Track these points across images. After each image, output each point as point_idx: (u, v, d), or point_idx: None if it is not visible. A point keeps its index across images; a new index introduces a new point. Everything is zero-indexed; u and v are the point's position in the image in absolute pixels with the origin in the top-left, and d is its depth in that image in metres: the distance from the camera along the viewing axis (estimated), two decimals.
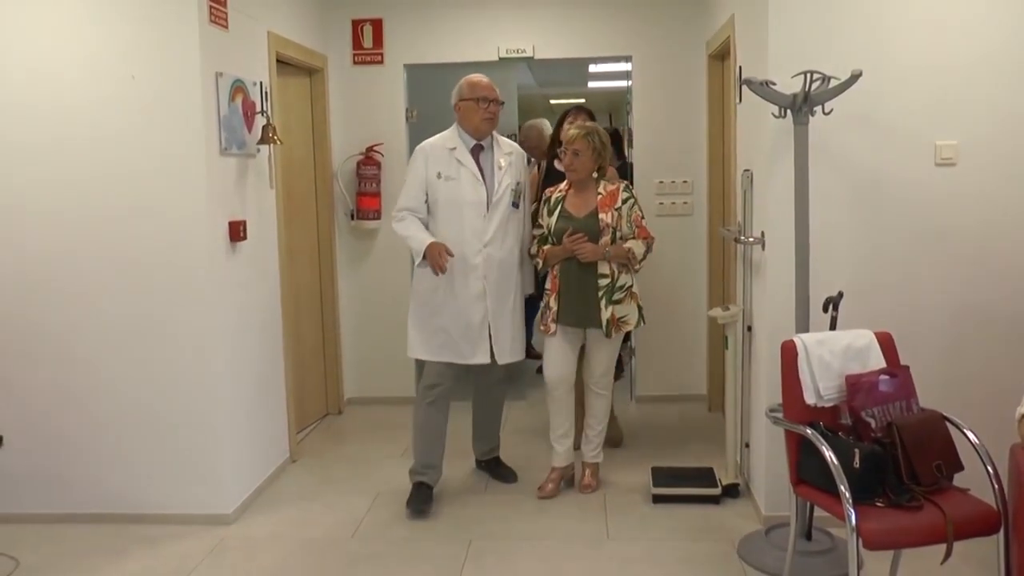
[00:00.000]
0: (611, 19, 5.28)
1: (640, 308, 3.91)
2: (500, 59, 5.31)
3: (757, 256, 3.72)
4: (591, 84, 9.73)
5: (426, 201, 3.85)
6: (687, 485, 3.91)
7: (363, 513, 3.88)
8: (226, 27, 3.81)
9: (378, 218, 5.28)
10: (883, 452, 2.67)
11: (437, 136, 3.96)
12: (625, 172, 5.21)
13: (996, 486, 2.60)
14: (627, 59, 5.39)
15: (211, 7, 3.65)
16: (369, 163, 5.29)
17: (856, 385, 2.82)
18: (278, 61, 4.44)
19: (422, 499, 3.84)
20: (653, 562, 3.35)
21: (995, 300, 3.49)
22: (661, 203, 5.32)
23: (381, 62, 5.36)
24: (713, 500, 3.85)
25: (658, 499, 3.88)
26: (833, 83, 3.15)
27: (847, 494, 2.53)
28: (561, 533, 3.64)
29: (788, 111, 3.23)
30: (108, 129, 3.60)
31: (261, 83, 4.15)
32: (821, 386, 2.86)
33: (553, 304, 3.85)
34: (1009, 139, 3.43)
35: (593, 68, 7.96)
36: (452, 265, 3.75)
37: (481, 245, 3.82)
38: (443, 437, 3.96)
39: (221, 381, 3.74)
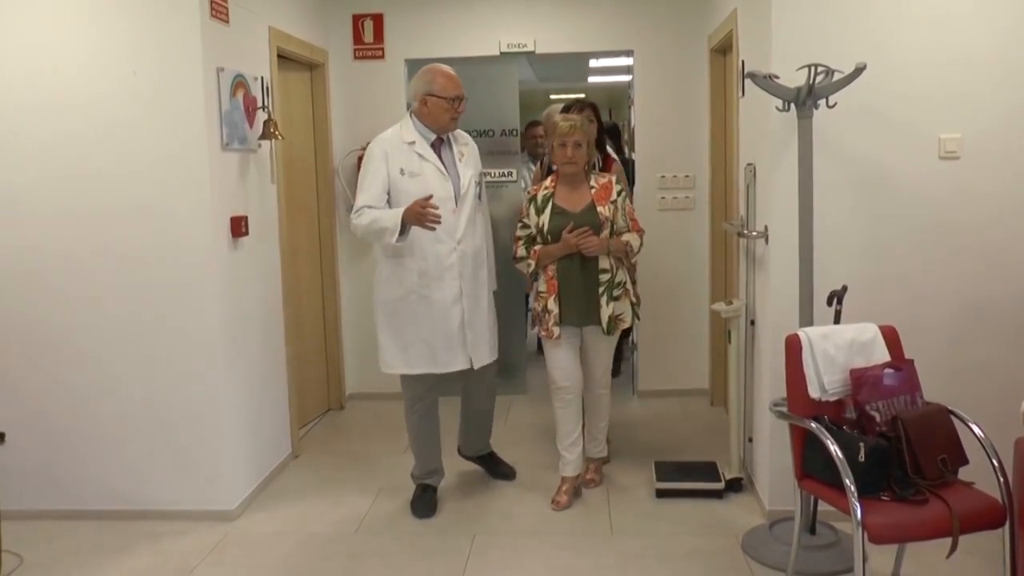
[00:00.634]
0: (612, 13, 5.27)
1: (633, 305, 3.83)
2: (501, 53, 5.30)
3: (760, 250, 3.71)
4: (592, 79, 9.70)
5: (388, 200, 3.59)
6: (690, 480, 3.91)
7: (366, 508, 3.88)
8: (227, 22, 3.79)
9: None
10: (888, 446, 2.67)
11: (390, 130, 3.76)
12: (627, 169, 5.18)
13: (1001, 480, 2.60)
14: (628, 54, 5.38)
15: (212, 2, 3.64)
16: None
17: (861, 379, 2.82)
18: (279, 56, 4.43)
19: (427, 503, 3.81)
20: (657, 557, 3.35)
21: (1000, 294, 3.48)
22: (663, 198, 5.31)
23: (382, 57, 5.35)
24: (716, 495, 3.85)
25: (661, 494, 3.88)
26: (837, 76, 3.14)
27: (852, 488, 2.52)
28: (565, 528, 3.64)
29: (792, 105, 3.22)
30: (109, 125, 3.60)
31: (262, 78, 4.14)
32: (826, 380, 2.86)
33: (553, 306, 3.69)
34: (1014, 133, 3.42)
35: (594, 63, 7.93)
36: (425, 270, 3.58)
37: (455, 243, 3.62)
38: (438, 440, 3.90)
39: (223, 377, 3.74)
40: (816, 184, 3.23)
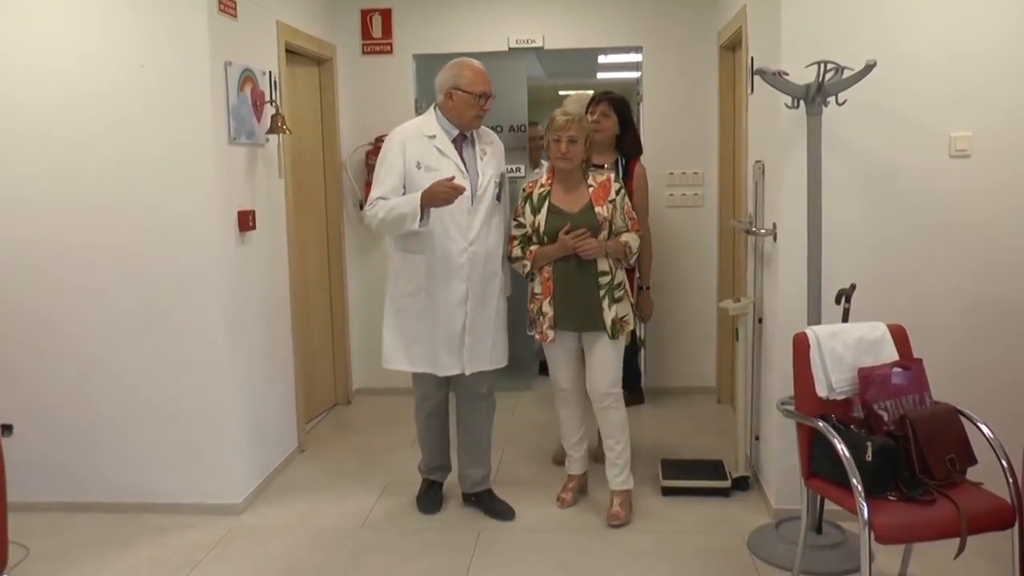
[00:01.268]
0: (621, 9, 5.26)
1: (633, 306, 3.66)
2: (510, 49, 5.29)
3: (768, 248, 3.69)
4: (600, 75, 9.68)
5: (403, 194, 3.45)
6: (697, 478, 3.90)
7: (372, 503, 3.88)
8: (235, 16, 3.79)
9: None
10: (896, 445, 2.66)
11: (410, 122, 3.65)
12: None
13: (1010, 480, 2.58)
14: (637, 50, 5.36)
15: None
16: (378, 153, 5.26)
17: (869, 378, 2.81)
18: (287, 51, 4.43)
19: (432, 499, 3.80)
20: (662, 555, 3.34)
21: (1010, 293, 3.46)
22: (671, 194, 5.30)
23: (390, 52, 5.35)
24: (723, 493, 3.84)
25: (667, 491, 3.87)
26: (847, 73, 3.12)
27: (859, 487, 2.51)
28: (570, 525, 3.63)
29: (801, 102, 3.20)
30: (117, 119, 3.60)
31: (270, 72, 4.14)
32: (833, 379, 2.84)
33: (548, 309, 3.53)
34: None
35: (603, 59, 7.90)
36: (433, 268, 3.46)
37: (467, 243, 3.46)
38: (446, 437, 3.83)
39: (229, 371, 3.74)
40: (825, 182, 3.21)
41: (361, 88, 5.36)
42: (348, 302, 5.41)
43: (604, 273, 3.52)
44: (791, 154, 3.39)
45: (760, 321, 3.84)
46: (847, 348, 2.87)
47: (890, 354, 2.91)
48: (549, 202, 3.57)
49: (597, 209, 3.52)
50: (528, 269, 3.58)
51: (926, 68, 3.39)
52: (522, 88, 5.39)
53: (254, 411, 3.97)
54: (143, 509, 3.77)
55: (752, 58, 3.90)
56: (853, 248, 3.44)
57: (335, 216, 5.27)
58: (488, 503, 3.76)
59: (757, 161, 3.84)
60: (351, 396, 5.49)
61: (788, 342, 2.95)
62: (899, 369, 2.84)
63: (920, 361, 2.90)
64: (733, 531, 3.52)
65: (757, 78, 3.37)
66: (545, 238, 3.53)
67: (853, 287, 3.17)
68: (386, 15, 5.33)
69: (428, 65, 5.44)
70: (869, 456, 2.60)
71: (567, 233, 3.48)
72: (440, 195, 3.27)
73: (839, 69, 3.12)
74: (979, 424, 2.72)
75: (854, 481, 2.53)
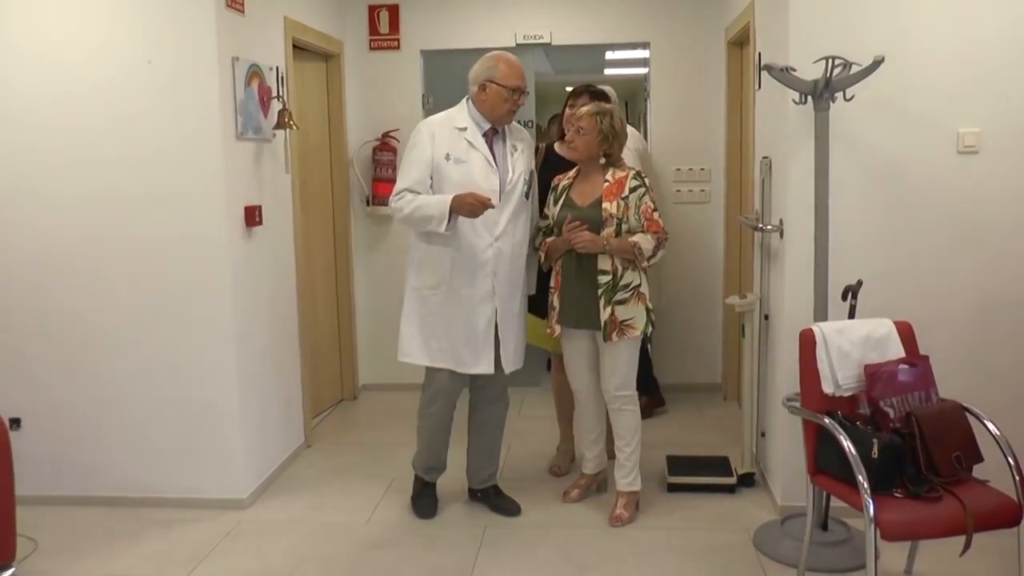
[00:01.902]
0: (629, 5, 5.25)
1: (649, 311, 3.52)
2: (517, 45, 5.28)
3: (775, 244, 3.68)
4: (608, 71, 9.68)
5: (430, 185, 3.42)
6: (702, 474, 3.89)
7: (378, 498, 3.89)
8: (242, 12, 3.80)
9: None
10: (902, 442, 2.66)
11: (442, 113, 3.57)
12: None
13: (1017, 477, 2.58)
14: (645, 46, 5.35)
15: None
16: (385, 149, 5.28)
17: (875, 375, 2.80)
18: (294, 46, 4.43)
19: (428, 503, 3.74)
20: (668, 551, 3.34)
21: (1017, 290, 3.44)
22: (678, 191, 5.30)
23: (397, 48, 5.35)
24: (728, 489, 3.84)
25: (673, 488, 3.87)
26: (855, 69, 3.11)
27: (865, 484, 2.51)
28: (576, 520, 3.63)
29: (809, 97, 3.19)
30: (124, 113, 3.61)
31: (277, 68, 4.15)
32: (839, 375, 2.84)
33: (556, 303, 3.55)
34: None
35: (610, 55, 7.90)
36: (457, 262, 3.42)
37: (492, 239, 3.42)
38: (447, 440, 3.75)
39: (236, 366, 3.75)
40: (832, 178, 3.20)
41: (368, 84, 5.36)
42: (355, 298, 5.42)
43: (604, 272, 3.44)
44: (798, 150, 3.39)
45: (766, 317, 3.83)
46: (853, 345, 2.87)
47: (896, 351, 2.91)
48: (567, 195, 3.56)
49: (605, 205, 3.43)
50: (544, 260, 3.59)
51: (934, 64, 3.37)
52: (530, 84, 5.36)
53: (261, 406, 3.98)
54: (150, 503, 3.78)
55: (760, 54, 3.88)
56: (860, 244, 3.44)
57: (342, 212, 5.28)
58: (494, 499, 3.76)
59: (764, 157, 3.83)
60: (357, 392, 5.50)
61: (794, 339, 2.95)
62: (905, 366, 2.84)
63: (927, 358, 2.90)
64: (739, 527, 3.52)
65: (765, 74, 3.36)
66: (555, 230, 3.53)
67: (860, 283, 3.16)
68: (393, 11, 5.33)
69: (435, 61, 5.46)
70: (875, 453, 2.60)
71: (567, 225, 3.45)
72: (467, 207, 3.26)
73: (847, 65, 3.11)
74: (986, 421, 2.71)
75: (860, 478, 2.52)
